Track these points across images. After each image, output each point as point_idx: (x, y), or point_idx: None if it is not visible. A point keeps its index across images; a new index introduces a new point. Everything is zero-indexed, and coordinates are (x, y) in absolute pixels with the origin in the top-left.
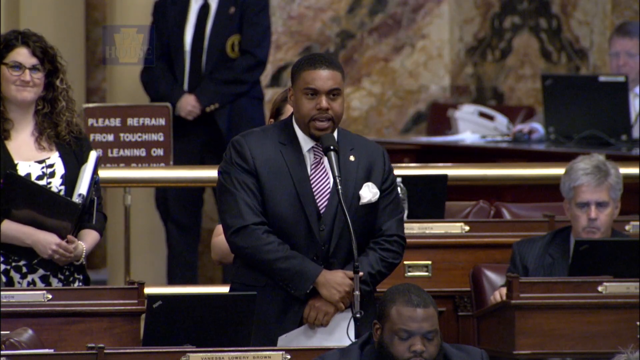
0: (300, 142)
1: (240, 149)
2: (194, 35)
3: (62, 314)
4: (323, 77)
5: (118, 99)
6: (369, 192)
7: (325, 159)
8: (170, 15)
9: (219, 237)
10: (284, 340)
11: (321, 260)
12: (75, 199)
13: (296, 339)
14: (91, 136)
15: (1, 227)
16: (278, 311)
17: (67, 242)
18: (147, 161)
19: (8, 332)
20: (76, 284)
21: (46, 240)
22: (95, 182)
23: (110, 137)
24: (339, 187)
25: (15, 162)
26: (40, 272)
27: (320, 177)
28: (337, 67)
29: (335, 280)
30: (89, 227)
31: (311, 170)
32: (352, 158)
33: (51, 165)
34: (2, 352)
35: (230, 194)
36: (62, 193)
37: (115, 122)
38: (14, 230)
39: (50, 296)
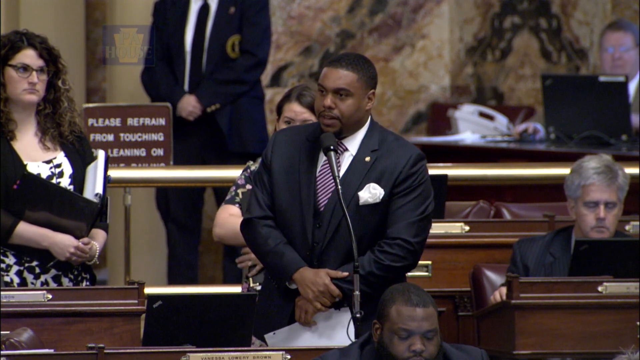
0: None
1: (267, 144)
2: (194, 36)
3: (62, 314)
4: (333, 75)
5: (118, 99)
6: (368, 193)
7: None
8: (171, 15)
9: (228, 216)
10: (273, 338)
11: (315, 258)
12: (93, 198)
13: (283, 337)
14: (91, 136)
15: (17, 230)
16: (278, 306)
17: (84, 243)
18: (147, 161)
19: (8, 332)
20: (84, 283)
21: (63, 243)
22: (108, 181)
23: (110, 137)
24: (339, 187)
25: (24, 162)
26: (53, 272)
27: (327, 175)
28: (353, 68)
29: (310, 279)
30: (97, 227)
31: (321, 168)
32: (367, 159)
33: (59, 165)
34: (2, 352)
35: (252, 188)
36: None
37: (115, 122)
38: (30, 232)
39: (50, 296)
